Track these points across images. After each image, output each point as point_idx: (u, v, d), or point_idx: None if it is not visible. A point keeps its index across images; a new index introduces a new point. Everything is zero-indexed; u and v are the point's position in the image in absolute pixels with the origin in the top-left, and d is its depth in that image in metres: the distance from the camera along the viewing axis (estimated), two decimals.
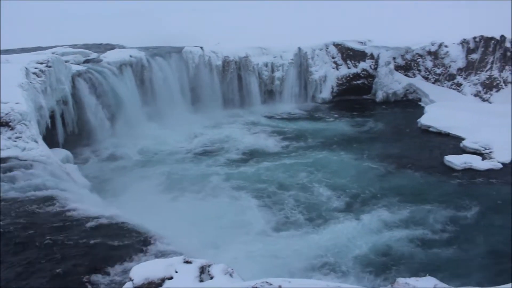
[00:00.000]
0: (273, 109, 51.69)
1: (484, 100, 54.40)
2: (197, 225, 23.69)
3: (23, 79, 27.89)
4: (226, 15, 77.97)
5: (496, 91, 55.05)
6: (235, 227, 24.82)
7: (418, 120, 44.74)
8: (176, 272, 9.46)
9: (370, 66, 57.05)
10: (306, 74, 54.91)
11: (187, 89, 48.41)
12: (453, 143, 38.94)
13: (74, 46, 47.80)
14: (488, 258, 22.27)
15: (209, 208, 27.26)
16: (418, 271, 20.55)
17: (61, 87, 33.62)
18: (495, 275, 20.78)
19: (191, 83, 48.94)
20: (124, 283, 9.70)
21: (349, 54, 57.28)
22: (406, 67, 57.18)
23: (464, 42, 54.82)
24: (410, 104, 54.39)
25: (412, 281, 8.62)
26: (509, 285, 9.43)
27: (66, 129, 35.30)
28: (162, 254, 14.09)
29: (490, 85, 54.99)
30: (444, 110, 46.86)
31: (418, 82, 56.38)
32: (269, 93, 53.76)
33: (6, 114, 22.90)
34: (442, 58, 55.56)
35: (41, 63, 32.21)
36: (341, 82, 56.93)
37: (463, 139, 38.50)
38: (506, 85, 55.47)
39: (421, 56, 56.57)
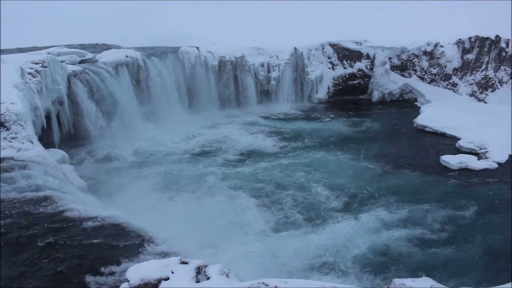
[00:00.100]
0: (270, 109, 51.70)
1: (479, 100, 54.60)
2: (195, 225, 23.68)
3: (18, 79, 27.75)
4: (221, 16, 77.91)
5: (492, 91, 55.25)
6: (234, 227, 24.81)
7: (414, 120, 44.88)
8: (173, 272, 9.46)
9: (366, 66, 57.16)
10: (302, 74, 54.95)
11: (183, 89, 48.32)
12: (449, 143, 39.11)
13: (69, 46, 47.60)
14: (486, 258, 22.37)
15: (206, 208, 27.23)
16: (416, 271, 20.69)
17: (56, 87, 33.47)
18: (494, 274, 20.92)
19: (187, 83, 48.86)
20: (120, 283, 9.68)
21: (345, 54, 57.38)
22: (402, 67, 57.32)
23: (459, 42, 55.02)
24: (406, 104, 54.54)
25: (408, 281, 8.63)
26: (508, 285, 9.45)
27: (62, 130, 35.16)
28: (158, 255, 14.07)
29: (486, 85, 55.19)
30: (440, 110, 47.00)
31: (414, 82, 56.53)
32: (265, 93, 53.76)
33: (2, 114, 22.77)
34: (438, 58, 55.74)
35: (37, 63, 32.04)
36: (337, 82, 57.03)
37: (459, 139, 38.65)
38: (501, 85, 55.68)
39: (416, 56, 56.72)
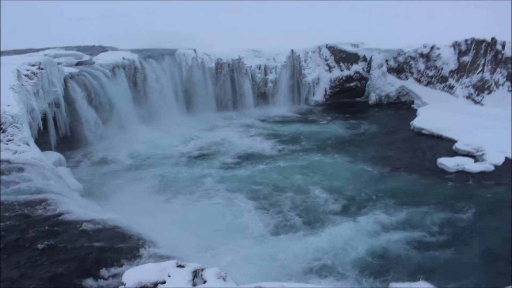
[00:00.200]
0: (267, 111, 51.72)
1: (476, 102, 54.74)
2: (192, 228, 23.61)
3: (14, 81, 27.64)
4: (218, 18, 77.96)
5: (488, 93, 55.41)
6: (232, 229, 24.73)
7: (411, 122, 44.94)
8: (169, 276, 9.42)
9: (363, 68, 57.31)
10: (299, 77, 55.01)
11: (180, 92, 48.33)
12: (446, 145, 39.18)
13: (66, 48, 47.61)
14: (485, 261, 22.38)
15: (204, 210, 27.16)
16: (416, 273, 20.70)
17: (53, 89, 33.38)
18: (493, 277, 20.96)
19: (184, 86, 48.87)
20: (117, 287, 9.64)
21: (342, 56, 57.50)
22: (399, 70, 57.46)
23: (455, 45, 55.20)
24: (403, 107, 54.67)
25: (405, 285, 8.63)
26: (508, 287, 9.48)
27: (58, 132, 35.07)
28: (155, 258, 14.02)
29: (482, 88, 55.34)
30: (436, 113, 47.13)
31: (410, 84, 56.68)
32: (262, 96, 53.81)
33: None
34: (434, 60, 55.89)
35: (33, 65, 31.93)
36: (334, 84, 57.13)
37: (456, 141, 38.71)
38: (497, 88, 55.85)
39: (413, 58, 56.88)
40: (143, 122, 43.02)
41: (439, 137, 41.35)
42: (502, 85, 55.96)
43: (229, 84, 51.70)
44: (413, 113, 49.47)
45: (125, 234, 16.17)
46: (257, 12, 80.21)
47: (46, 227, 15.67)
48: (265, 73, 52.99)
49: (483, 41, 54.37)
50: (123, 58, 43.47)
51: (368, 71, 56.78)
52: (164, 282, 9.26)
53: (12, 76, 28.11)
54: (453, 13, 72.83)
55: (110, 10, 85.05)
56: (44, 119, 32.05)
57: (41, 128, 30.39)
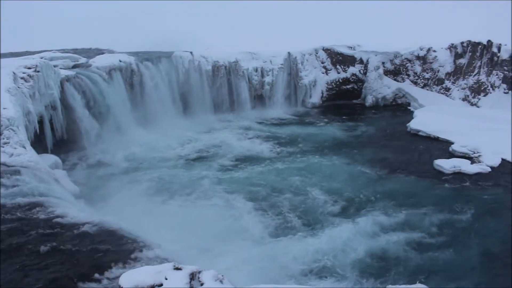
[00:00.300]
0: (264, 114, 51.74)
1: (472, 104, 54.97)
2: (190, 230, 23.52)
3: (10, 84, 27.59)
4: (215, 20, 78.01)
5: (484, 96, 55.66)
6: (231, 231, 24.67)
7: (408, 124, 45.06)
8: (166, 279, 9.39)
9: (359, 70, 57.43)
10: (295, 79, 55.08)
11: (177, 94, 48.26)
12: (442, 147, 39.33)
13: (63, 50, 47.42)
14: (484, 262, 22.42)
15: (202, 212, 27.06)
16: (415, 274, 20.86)
17: (49, 92, 33.28)
18: (492, 278, 21.02)
19: (181, 88, 48.82)
20: None
21: (339, 59, 57.61)
22: (395, 72, 57.62)
23: (451, 47, 55.40)
24: (400, 109, 54.81)
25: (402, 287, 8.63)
26: None
27: (55, 135, 34.94)
28: (152, 261, 13.98)
29: (478, 90, 55.57)
30: (433, 115, 47.28)
31: (407, 86, 56.85)
32: (259, 98, 53.84)
33: None
34: (431, 62, 56.08)
35: (29, 68, 31.81)
36: (330, 86, 57.23)
37: (452, 143, 38.83)
38: (493, 90, 56.10)
39: (409, 60, 57.05)
40: (140, 125, 42.91)
41: (436, 139, 41.47)
42: (498, 87, 56.24)
43: (226, 87, 51.72)
44: (409, 115, 49.61)
45: (122, 236, 16.14)
46: (254, 14, 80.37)
47: (42, 230, 15.62)
48: (262, 76, 53.02)
49: (479, 43, 54.62)
50: (120, 61, 43.37)
51: (365, 74, 56.89)
52: (161, 285, 9.23)
53: (8, 79, 28.04)
54: (449, 16, 73.12)
55: (109, 10, 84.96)
56: (41, 122, 31.96)
57: (38, 130, 30.32)
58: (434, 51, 55.94)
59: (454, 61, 55.58)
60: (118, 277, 10.52)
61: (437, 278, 20.85)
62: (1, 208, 16.62)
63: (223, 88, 51.57)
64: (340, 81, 57.63)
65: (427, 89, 56.69)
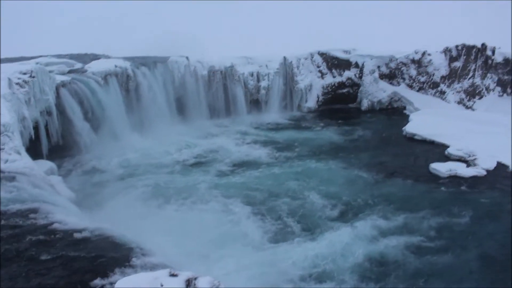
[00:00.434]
0: (260, 118, 51.80)
1: (467, 107, 55.21)
2: (188, 235, 23.45)
3: (6, 89, 27.48)
4: (213, 21, 78.26)
5: (479, 99, 55.92)
6: (230, 237, 24.59)
7: (403, 128, 45.15)
8: (162, 285, 9.33)
9: (355, 74, 57.63)
10: (291, 83, 55.21)
11: (172, 99, 48.28)
12: (438, 150, 39.39)
13: (58, 56, 47.43)
14: (483, 265, 22.40)
15: (201, 217, 26.96)
16: (415, 278, 20.87)
17: (45, 97, 33.21)
18: (491, 282, 21.03)
19: (176, 93, 48.84)
20: None
21: (334, 63, 57.81)
22: (391, 76, 57.83)
23: (446, 51, 55.70)
24: (395, 112, 54.96)
25: None
26: None
27: (50, 140, 34.83)
28: (148, 267, 13.90)
29: (473, 93, 55.82)
30: (428, 118, 47.43)
31: (402, 90, 57.07)
32: (255, 103, 53.93)
33: None
34: (426, 66, 56.33)
35: (25, 73, 31.71)
36: (326, 91, 57.39)
37: (448, 146, 38.93)
38: (488, 93, 56.37)
39: (405, 64, 57.28)
40: (135, 130, 42.84)
41: (431, 142, 41.58)
42: (493, 90, 56.56)
43: (221, 92, 51.80)
44: (405, 119, 49.76)
45: (117, 243, 16.05)
46: (252, 16, 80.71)
47: (38, 237, 15.52)
48: (258, 80, 53.14)
49: (474, 47, 54.94)
50: (116, 66, 43.36)
51: (360, 77, 57.09)
52: None
53: (3, 85, 27.93)
54: (443, 19, 73.51)
55: (110, 10, 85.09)
56: (36, 128, 31.87)
57: (33, 136, 30.21)
58: (429, 54, 56.23)
59: (449, 65, 55.86)
60: (113, 283, 10.46)
61: (436, 282, 20.84)
62: (1, 214, 16.54)
63: (219, 93, 51.66)
64: (336, 85, 57.81)
65: (423, 93, 56.92)
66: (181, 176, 34.25)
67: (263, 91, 53.23)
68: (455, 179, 33.31)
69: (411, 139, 43.31)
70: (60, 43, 57.97)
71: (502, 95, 57.02)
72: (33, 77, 31.95)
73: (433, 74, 56.17)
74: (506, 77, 56.46)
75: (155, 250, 15.84)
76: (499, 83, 56.45)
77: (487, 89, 56.45)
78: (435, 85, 56.40)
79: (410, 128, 44.69)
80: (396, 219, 26.71)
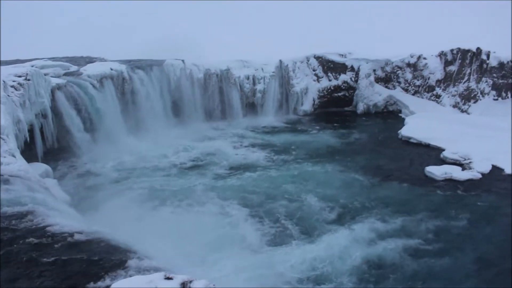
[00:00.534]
0: (255, 121, 51.81)
1: (462, 111, 55.36)
2: (184, 238, 23.39)
3: (1, 92, 27.35)
4: (207, 28, 78.21)
5: (474, 102, 56.07)
6: (227, 239, 24.57)
7: (399, 131, 45.28)
8: None
9: (350, 78, 57.74)
10: (287, 87, 55.27)
11: (168, 102, 48.24)
12: (433, 153, 39.55)
13: (53, 59, 47.28)
14: (481, 268, 22.51)
15: (201, 220, 26.91)
16: (413, 280, 20.99)
17: (40, 100, 33.05)
18: (488, 284, 21.11)
19: (172, 96, 48.80)
20: None
21: (330, 66, 57.92)
22: (386, 79, 57.97)
23: (442, 54, 55.88)
24: (391, 116, 55.12)
25: None
26: None
27: (45, 143, 34.69)
28: (143, 270, 13.85)
29: (468, 97, 55.99)
30: (424, 121, 47.57)
31: (398, 93, 57.21)
32: (251, 106, 53.92)
33: None
34: (421, 70, 56.51)
35: (20, 76, 31.58)
36: (322, 94, 57.48)
37: (443, 149, 39.07)
38: (483, 97, 56.54)
39: (400, 68, 57.44)
40: (131, 133, 42.73)
41: (427, 146, 41.72)
42: (488, 94, 56.71)
43: (217, 95, 51.79)
44: (400, 122, 49.90)
45: (112, 246, 15.97)
46: (240, 25, 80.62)
47: (32, 240, 15.43)
48: (254, 83, 53.16)
49: (469, 51, 55.15)
50: (111, 69, 43.25)
51: (356, 81, 57.22)
52: None
53: None
54: (439, 23, 73.78)
55: (110, 9, 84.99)
56: (31, 130, 31.70)
57: (28, 139, 30.03)
58: (425, 58, 56.42)
59: (444, 68, 56.05)
60: (109, 287, 10.41)
61: (434, 284, 20.91)
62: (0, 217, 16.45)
63: (214, 96, 51.66)
64: (332, 88, 57.92)
65: (418, 96, 57.09)
66: (178, 179, 34.22)
67: (259, 94, 53.24)
68: (450, 182, 33.44)
69: (407, 142, 43.44)
70: (56, 45, 57.79)
71: (497, 99, 57.21)
72: (29, 79, 31.80)
73: (429, 78, 56.36)
74: (501, 81, 56.68)
75: (151, 253, 15.80)
76: (494, 87, 56.65)
77: (482, 93, 56.65)
78: (430, 88, 56.59)
79: (405, 131, 44.81)
80: (393, 222, 26.79)
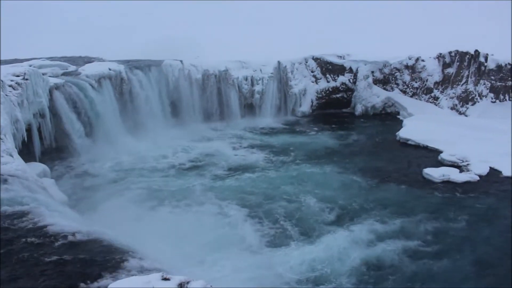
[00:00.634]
0: (253, 122, 51.79)
1: (460, 113, 55.50)
2: (182, 239, 23.38)
3: None
4: (206, 28, 78.27)
5: (472, 105, 56.24)
6: (225, 239, 24.56)
7: (397, 133, 45.31)
8: None
9: (349, 80, 57.79)
10: (285, 88, 55.27)
11: (166, 103, 48.16)
12: (431, 155, 39.57)
13: (52, 58, 47.20)
14: (479, 269, 22.54)
15: (201, 220, 26.88)
16: (413, 281, 21.01)
17: (38, 100, 32.98)
18: (487, 285, 21.12)
19: (170, 97, 48.75)
20: None
21: (328, 68, 57.95)
22: (385, 81, 58.03)
23: (440, 57, 55.98)
24: (389, 117, 55.17)
25: None
26: None
27: (43, 143, 34.58)
28: (140, 271, 13.83)
29: (466, 99, 56.14)
30: (422, 123, 47.61)
31: (396, 95, 57.27)
32: (249, 107, 53.90)
33: None
34: (419, 72, 56.59)
35: (18, 76, 31.49)
36: (320, 95, 57.50)
37: (441, 151, 39.11)
38: (481, 99, 56.71)
39: (398, 70, 57.51)
40: (129, 133, 42.65)
41: (425, 148, 41.77)
42: (486, 96, 56.93)
43: (215, 95, 51.75)
44: (398, 124, 49.94)
45: (110, 246, 15.95)
46: (239, 26, 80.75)
47: (29, 240, 15.40)
48: (252, 84, 53.13)
49: (467, 53, 55.30)
50: (110, 69, 43.16)
51: (354, 83, 57.27)
52: None
53: None
54: (437, 25, 73.92)
55: (110, 9, 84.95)
56: (29, 130, 31.63)
57: (26, 139, 29.97)
58: (423, 60, 56.52)
59: (442, 71, 56.17)
60: (106, 287, 10.39)
61: (433, 286, 20.94)
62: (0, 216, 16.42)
63: (213, 96, 51.61)
64: (330, 90, 57.96)
65: (416, 98, 57.17)
66: (177, 179, 34.18)
67: (257, 95, 53.23)
68: (448, 184, 33.48)
69: (405, 144, 43.47)
70: (55, 45, 57.72)
71: (495, 102, 57.44)
72: (27, 79, 31.72)
73: (427, 80, 56.45)
74: (498, 83, 56.89)
75: (149, 254, 15.79)
76: (492, 89, 56.86)
77: (480, 95, 56.82)
78: (428, 90, 56.68)
79: (403, 133, 44.84)
80: (392, 223, 26.83)
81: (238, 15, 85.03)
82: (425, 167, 35.87)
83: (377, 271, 22.05)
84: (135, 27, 69.55)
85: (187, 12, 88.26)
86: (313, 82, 57.42)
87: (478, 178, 34.18)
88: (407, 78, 57.25)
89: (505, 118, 49.99)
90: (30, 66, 35.83)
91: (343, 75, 57.99)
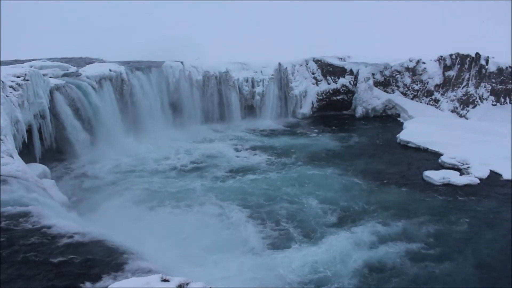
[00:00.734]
0: (254, 124, 51.71)
1: (461, 116, 55.47)
2: (186, 240, 23.39)
3: None
4: (206, 29, 78.25)
5: (473, 107, 56.21)
6: (228, 240, 24.54)
7: (397, 135, 45.27)
8: None
9: (349, 82, 57.76)
10: (286, 90, 55.24)
11: (167, 104, 48.12)
12: (432, 158, 39.55)
13: (52, 59, 47.17)
14: (481, 272, 22.51)
15: (198, 222, 26.84)
16: (415, 284, 21.03)
17: (38, 101, 32.95)
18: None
19: (171, 98, 48.72)
20: None
21: (329, 70, 57.94)
22: (385, 83, 58.00)
23: (440, 59, 55.97)
24: (389, 120, 55.12)
25: None
26: None
27: (43, 144, 34.54)
28: (141, 272, 13.80)
29: (467, 102, 56.11)
30: (422, 126, 47.58)
31: (397, 98, 57.24)
32: (249, 108, 53.86)
33: None
34: (420, 74, 56.58)
35: (18, 77, 31.48)
36: (321, 97, 57.46)
37: (441, 154, 39.07)
38: (482, 102, 56.67)
39: (399, 72, 57.49)
40: (130, 135, 42.59)
41: (425, 150, 41.72)
42: (486, 99, 56.88)
43: (216, 97, 51.70)
44: (399, 126, 49.91)
45: (109, 247, 15.91)
46: (239, 27, 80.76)
47: (29, 240, 15.37)
48: (253, 86, 53.10)
49: (468, 56, 55.29)
50: (110, 70, 43.13)
51: (355, 85, 57.25)
52: None
53: None
54: (438, 28, 73.92)
55: (110, 9, 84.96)
56: (29, 131, 31.59)
57: (26, 140, 29.95)
58: (423, 63, 56.52)
59: (443, 73, 56.16)
60: None
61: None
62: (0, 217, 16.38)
63: (213, 98, 51.56)
64: (331, 92, 57.92)
65: (417, 101, 57.14)
66: (178, 181, 34.10)
67: (257, 97, 53.19)
68: (448, 187, 33.44)
69: (405, 146, 43.42)
70: (56, 46, 57.66)
71: (496, 104, 57.36)
72: (27, 80, 31.71)
73: (427, 83, 56.44)
74: (499, 86, 56.84)
75: (149, 255, 15.76)
76: (493, 92, 56.80)
77: (481, 98, 56.77)
78: (429, 93, 56.66)
79: (404, 135, 44.80)
80: (394, 226, 26.81)
81: (238, 15, 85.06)
82: (426, 170, 35.85)
83: (379, 273, 22.02)
84: (135, 27, 69.58)
85: (187, 12, 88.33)
86: (313, 84, 57.39)
87: (478, 181, 34.14)
88: (407, 80, 57.23)
89: (505, 121, 49.91)
90: (31, 67, 35.80)
91: (344, 77, 57.96)
